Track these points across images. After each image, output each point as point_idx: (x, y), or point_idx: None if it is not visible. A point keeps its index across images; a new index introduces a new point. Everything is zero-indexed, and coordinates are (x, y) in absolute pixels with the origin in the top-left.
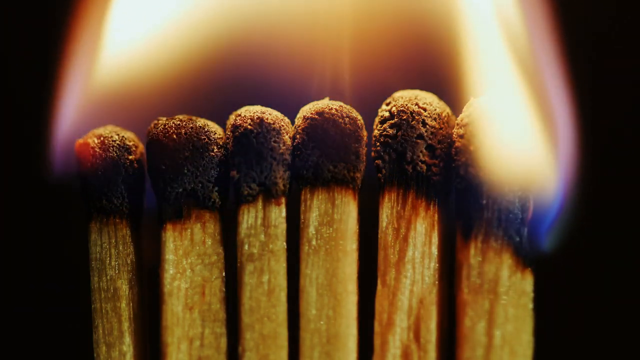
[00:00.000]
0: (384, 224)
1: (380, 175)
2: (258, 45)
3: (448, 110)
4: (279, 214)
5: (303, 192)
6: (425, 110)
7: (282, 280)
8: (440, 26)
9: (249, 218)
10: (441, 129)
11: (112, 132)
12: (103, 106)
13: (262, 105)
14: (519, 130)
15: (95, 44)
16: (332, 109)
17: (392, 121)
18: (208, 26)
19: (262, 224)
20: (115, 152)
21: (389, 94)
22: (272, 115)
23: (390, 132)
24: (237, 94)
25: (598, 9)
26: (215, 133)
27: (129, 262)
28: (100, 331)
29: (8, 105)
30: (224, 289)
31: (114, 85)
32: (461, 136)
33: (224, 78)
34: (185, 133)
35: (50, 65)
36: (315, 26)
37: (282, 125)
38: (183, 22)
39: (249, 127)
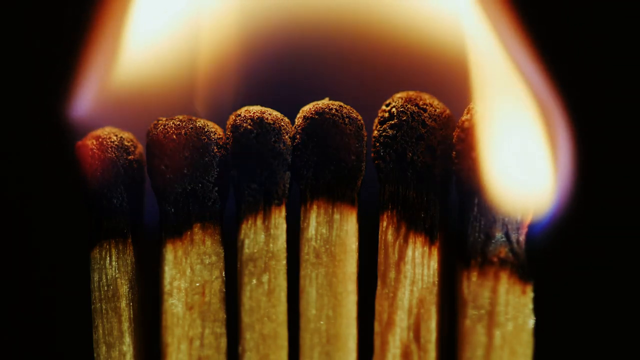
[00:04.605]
0: (384, 224)
1: (380, 175)
2: (260, 45)
3: (448, 111)
4: (279, 214)
5: (303, 193)
6: (425, 111)
7: (282, 280)
8: (443, 28)
9: (249, 218)
10: (441, 129)
11: (111, 133)
12: (103, 106)
13: (263, 105)
14: (520, 135)
15: (99, 45)
16: (332, 109)
17: (392, 122)
18: (209, 26)
19: (263, 223)
20: (114, 152)
21: (389, 95)
22: (272, 115)
23: (390, 132)
24: (238, 93)
25: (595, 16)
26: (215, 133)
27: (129, 262)
28: (100, 331)
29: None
30: (224, 289)
31: (114, 85)
32: (462, 139)
33: (224, 78)
34: (185, 133)
35: (62, 67)
36: (315, 27)
37: (282, 125)
38: (186, 24)
39: (248, 127)
